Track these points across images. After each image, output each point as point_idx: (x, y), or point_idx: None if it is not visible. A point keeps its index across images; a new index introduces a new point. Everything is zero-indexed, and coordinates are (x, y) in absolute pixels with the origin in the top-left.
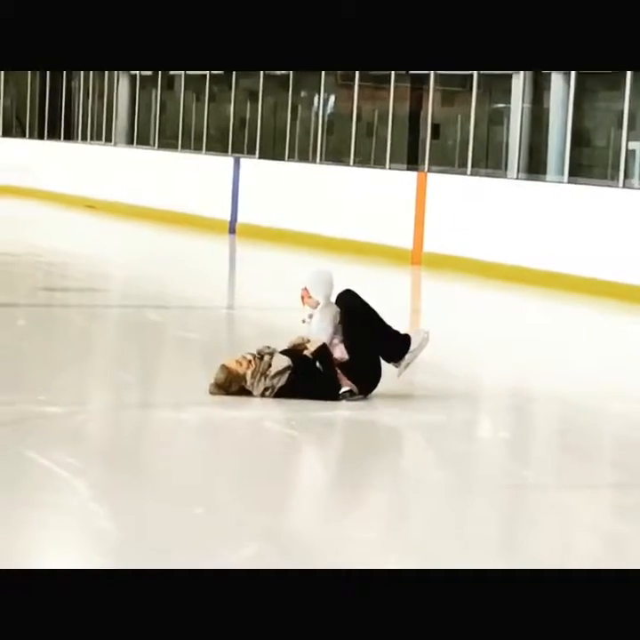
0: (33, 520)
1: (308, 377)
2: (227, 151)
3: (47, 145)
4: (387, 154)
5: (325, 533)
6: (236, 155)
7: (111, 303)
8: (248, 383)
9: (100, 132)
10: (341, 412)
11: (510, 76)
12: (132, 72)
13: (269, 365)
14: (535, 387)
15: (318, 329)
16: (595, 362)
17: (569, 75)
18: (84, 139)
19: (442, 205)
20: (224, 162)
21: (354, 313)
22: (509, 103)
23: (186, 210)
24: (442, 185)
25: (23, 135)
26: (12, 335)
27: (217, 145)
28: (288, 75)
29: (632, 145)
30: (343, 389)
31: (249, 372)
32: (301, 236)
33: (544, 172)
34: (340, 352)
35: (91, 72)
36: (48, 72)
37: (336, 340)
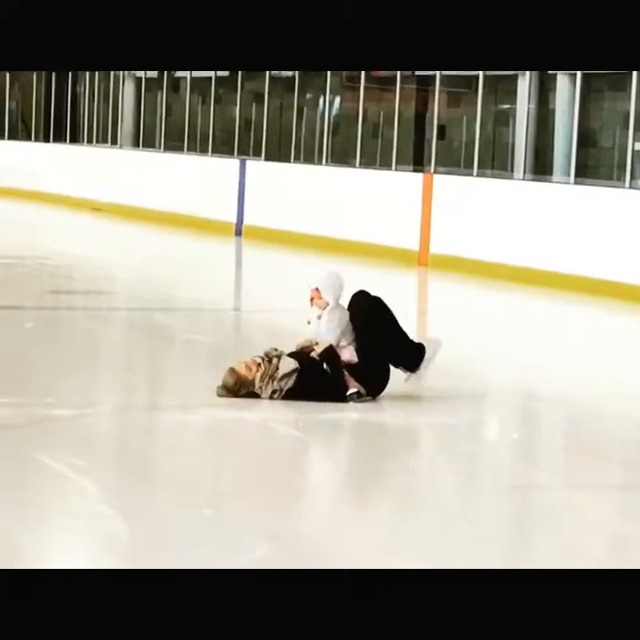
0: (43, 522)
1: (315, 379)
2: (232, 153)
3: (53, 148)
4: (393, 155)
5: (334, 534)
6: (242, 157)
7: (118, 305)
8: (256, 387)
9: (106, 135)
10: (349, 413)
11: (516, 77)
12: (138, 74)
13: (277, 368)
14: (542, 387)
15: (326, 330)
16: (602, 363)
17: (575, 75)
18: (89, 141)
19: (448, 206)
20: (230, 164)
21: (365, 314)
22: (515, 104)
23: (192, 212)
24: (448, 186)
25: (29, 138)
26: (18, 338)
27: (223, 147)
28: (294, 76)
29: (638, 145)
30: (351, 391)
31: (258, 376)
32: (307, 237)
33: (550, 172)
34: (348, 354)
35: (96, 74)
36: (53, 74)
37: (344, 342)
